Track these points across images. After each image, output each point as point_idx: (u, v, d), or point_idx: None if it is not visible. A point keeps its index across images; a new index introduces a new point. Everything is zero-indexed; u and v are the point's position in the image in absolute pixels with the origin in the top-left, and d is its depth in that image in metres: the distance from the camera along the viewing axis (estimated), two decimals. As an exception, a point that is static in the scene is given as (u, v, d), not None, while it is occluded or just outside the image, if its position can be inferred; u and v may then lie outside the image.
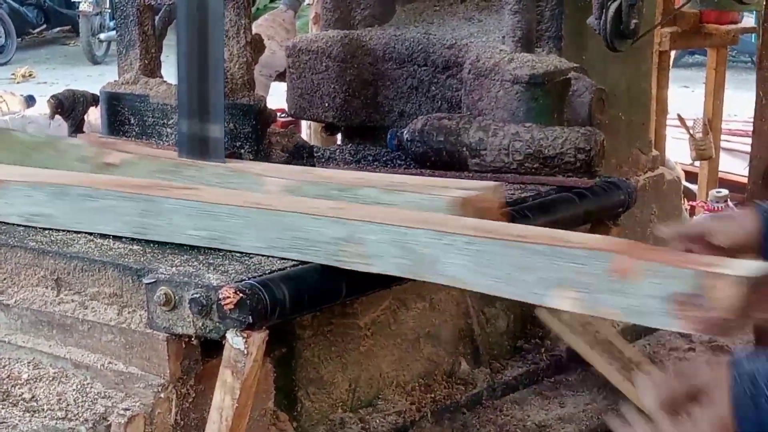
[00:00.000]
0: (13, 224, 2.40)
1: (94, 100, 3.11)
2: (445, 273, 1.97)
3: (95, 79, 12.21)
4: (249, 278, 2.01)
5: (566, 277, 1.82)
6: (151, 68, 2.96)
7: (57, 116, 3.12)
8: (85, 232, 2.31)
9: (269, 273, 2.05)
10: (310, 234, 2.09)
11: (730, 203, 5.52)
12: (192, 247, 2.22)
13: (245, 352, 1.95)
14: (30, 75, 13.96)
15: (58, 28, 17.86)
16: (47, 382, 2.09)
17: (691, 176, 6.07)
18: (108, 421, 1.99)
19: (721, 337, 1.80)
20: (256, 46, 2.85)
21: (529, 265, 1.86)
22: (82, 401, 2.04)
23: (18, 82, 13.23)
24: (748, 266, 1.72)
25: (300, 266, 2.10)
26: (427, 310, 2.63)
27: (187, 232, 2.21)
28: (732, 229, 1.92)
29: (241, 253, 2.16)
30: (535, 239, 1.90)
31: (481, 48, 3.05)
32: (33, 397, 2.06)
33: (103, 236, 2.31)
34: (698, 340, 3.11)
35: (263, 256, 2.14)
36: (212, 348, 2.05)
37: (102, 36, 15.70)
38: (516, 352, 2.90)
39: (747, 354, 1.51)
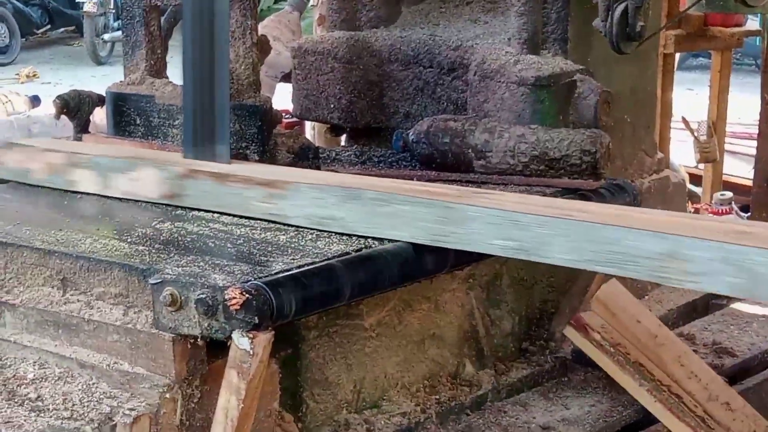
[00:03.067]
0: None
1: (99, 100, 3.12)
2: None
3: (99, 80, 12.22)
4: (255, 279, 2.01)
5: None
6: (157, 69, 2.97)
7: (62, 116, 3.12)
8: (372, 237, 2.26)
9: (275, 274, 2.05)
10: (628, 248, 2.00)
11: (734, 206, 5.51)
12: (199, 248, 2.23)
13: (251, 352, 1.95)
14: (34, 75, 13.95)
15: (63, 29, 17.87)
16: (53, 382, 2.09)
17: (696, 179, 6.06)
18: (113, 421, 1.99)
19: None
20: (262, 47, 2.85)
21: None
22: (88, 401, 2.04)
23: (22, 83, 13.23)
24: None
25: (306, 267, 2.10)
26: (432, 312, 2.63)
27: (490, 242, 2.14)
28: None
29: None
30: None
31: (486, 50, 3.04)
32: (38, 396, 2.05)
33: (109, 236, 2.32)
34: (701, 342, 3.11)
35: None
36: (218, 348, 2.05)
37: (106, 36, 15.70)
38: (521, 354, 2.89)
39: None
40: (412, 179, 2.87)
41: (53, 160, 2.70)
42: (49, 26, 17.44)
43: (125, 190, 2.57)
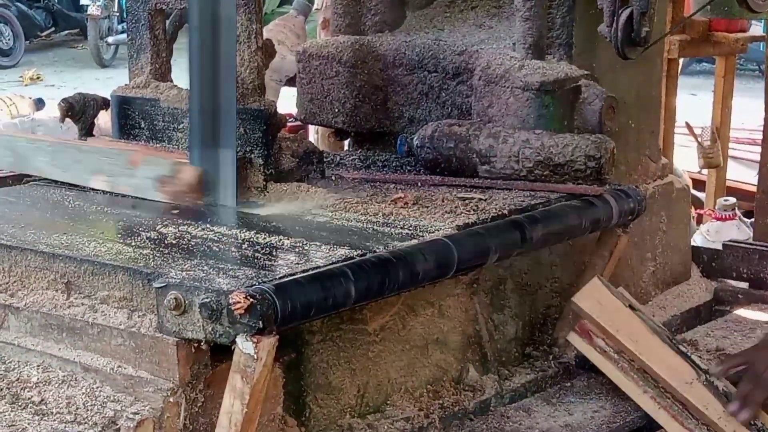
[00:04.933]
0: None
1: (104, 103, 3.12)
2: (35, 167, 2.93)
3: (103, 83, 12.25)
4: (259, 283, 2.01)
5: (102, 167, 2.78)
6: (162, 72, 2.97)
7: (67, 120, 3.12)
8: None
9: (280, 278, 2.05)
10: None
11: (738, 211, 5.50)
12: (203, 252, 2.23)
13: (255, 357, 1.95)
14: (38, 78, 13.98)
15: (67, 31, 17.91)
16: (57, 386, 2.09)
17: (699, 184, 6.05)
18: (117, 425, 1.99)
19: (183, 202, 2.65)
20: (267, 51, 2.85)
21: (81, 160, 2.83)
22: (92, 405, 2.04)
23: (26, 85, 13.26)
24: None
25: (311, 272, 2.10)
26: (436, 316, 2.63)
27: None
28: None
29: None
30: (86, 144, 2.95)
31: (491, 55, 3.04)
32: (42, 400, 2.05)
33: (113, 240, 2.32)
34: (704, 348, 3.11)
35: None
36: (222, 353, 2.05)
37: (110, 39, 15.74)
38: (524, 359, 2.89)
39: None
40: (417, 184, 2.88)
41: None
42: (53, 29, 17.48)
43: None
